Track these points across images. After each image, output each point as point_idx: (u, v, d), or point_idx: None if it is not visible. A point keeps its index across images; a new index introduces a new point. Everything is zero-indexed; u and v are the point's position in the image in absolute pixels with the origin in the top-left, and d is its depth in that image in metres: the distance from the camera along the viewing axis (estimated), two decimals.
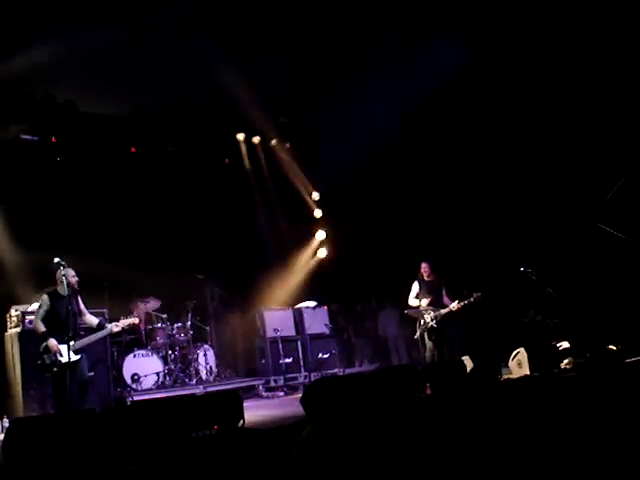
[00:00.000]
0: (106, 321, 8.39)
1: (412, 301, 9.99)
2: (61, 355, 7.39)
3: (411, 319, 10.21)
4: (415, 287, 10.01)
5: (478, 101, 12.46)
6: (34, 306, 9.18)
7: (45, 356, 7.44)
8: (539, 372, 8.21)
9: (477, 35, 11.67)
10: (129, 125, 12.74)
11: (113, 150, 12.47)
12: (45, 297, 7.66)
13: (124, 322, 8.17)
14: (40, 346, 7.48)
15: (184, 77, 10.88)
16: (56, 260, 7.44)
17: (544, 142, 12.05)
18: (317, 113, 13.18)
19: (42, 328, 7.52)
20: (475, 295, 9.60)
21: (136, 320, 8.51)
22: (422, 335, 9.75)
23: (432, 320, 9.59)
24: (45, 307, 7.61)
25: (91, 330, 8.04)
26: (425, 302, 9.77)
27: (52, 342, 7.43)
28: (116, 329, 8.09)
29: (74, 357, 7.47)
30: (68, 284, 7.59)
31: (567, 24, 10.90)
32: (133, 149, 12.84)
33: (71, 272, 7.79)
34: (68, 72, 10.46)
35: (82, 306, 7.99)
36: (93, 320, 8.07)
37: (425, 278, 9.96)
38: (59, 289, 7.71)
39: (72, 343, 7.45)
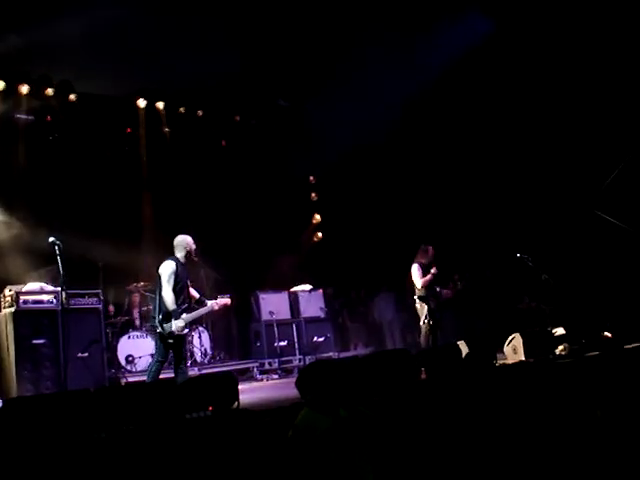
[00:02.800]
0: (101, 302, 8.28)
1: (423, 283, 9.48)
2: (177, 326, 7.12)
3: (407, 304, 10.14)
4: (419, 270, 9.69)
5: (476, 88, 12.39)
6: (29, 286, 9.11)
7: (165, 325, 7.10)
8: (534, 358, 8.21)
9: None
10: (126, 106, 12.69)
11: (109, 130, 12.40)
12: (173, 263, 7.25)
13: (221, 301, 7.85)
14: (160, 313, 7.13)
15: (182, 58, 10.75)
16: (51, 239, 7.29)
17: (541, 127, 12.01)
18: (316, 96, 13.09)
19: (174, 305, 7.10)
20: (463, 281, 9.54)
21: (229, 301, 8.05)
22: (426, 320, 9.59)
23: (435, 305, 9.50)
24: (174, 275, 7.16)
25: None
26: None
27: (181, 319, 7.11)
28: (217, 307, 7.80)
29: (185, 330, 7.26)
30: (189, 252, 7.35)
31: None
32: (129, 129, 12.80)
33: (190, 239, 7.46)
34: (64, 51, 10.35)
35: None
36: (195, 294, 7.71)
37: (425, 262, 9.70)
38: (179, 257, 7.37)
39: (184, 315, 7.20)
